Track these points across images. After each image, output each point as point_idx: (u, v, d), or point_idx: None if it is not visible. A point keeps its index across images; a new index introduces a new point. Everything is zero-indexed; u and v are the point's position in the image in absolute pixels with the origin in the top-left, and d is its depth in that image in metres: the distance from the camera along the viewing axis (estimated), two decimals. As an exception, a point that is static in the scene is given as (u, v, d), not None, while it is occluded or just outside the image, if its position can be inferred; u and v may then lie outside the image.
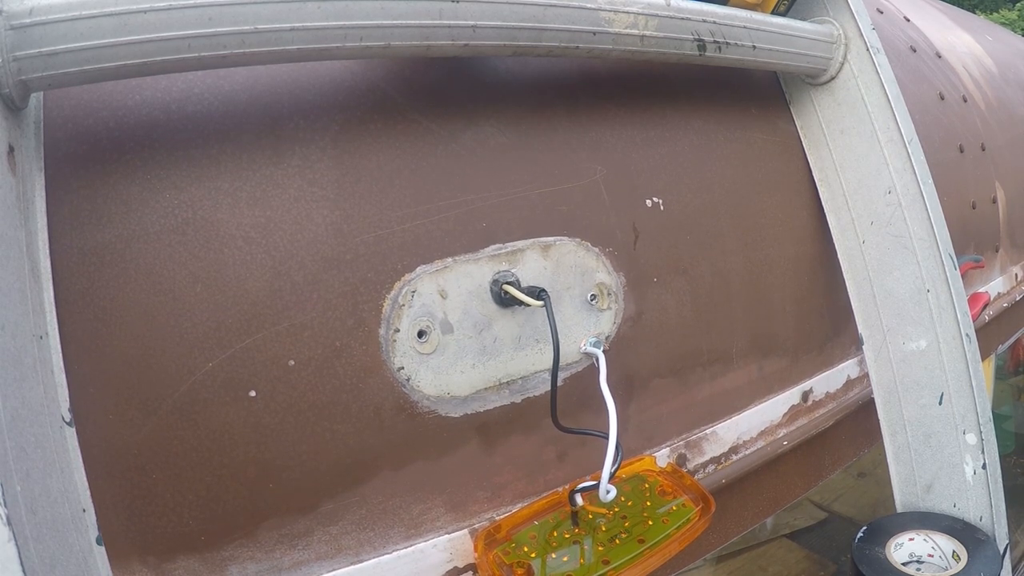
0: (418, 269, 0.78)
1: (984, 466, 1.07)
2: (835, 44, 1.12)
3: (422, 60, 0.84)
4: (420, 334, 0.78)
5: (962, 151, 1.69)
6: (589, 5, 0.81)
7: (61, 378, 0.62)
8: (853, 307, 1.19)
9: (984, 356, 1.52)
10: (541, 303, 0.80)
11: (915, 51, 1.78)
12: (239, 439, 0.70)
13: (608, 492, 0.79)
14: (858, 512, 3.06)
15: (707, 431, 1.06)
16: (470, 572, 0.83)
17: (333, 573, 0.75)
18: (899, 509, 1.15)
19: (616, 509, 0.86)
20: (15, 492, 0.49)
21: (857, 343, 1.22)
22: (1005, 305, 1.85)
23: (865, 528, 1.09)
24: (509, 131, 0.88)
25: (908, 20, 1.91)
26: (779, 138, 1.20)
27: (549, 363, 0.83)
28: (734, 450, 1.10)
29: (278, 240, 0.72)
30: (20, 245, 0.59)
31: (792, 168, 1.20)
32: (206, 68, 0.66)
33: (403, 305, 0.77)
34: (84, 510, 0.60)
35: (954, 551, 1.03)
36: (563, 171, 0.91)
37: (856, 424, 1.30)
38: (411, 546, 0.79)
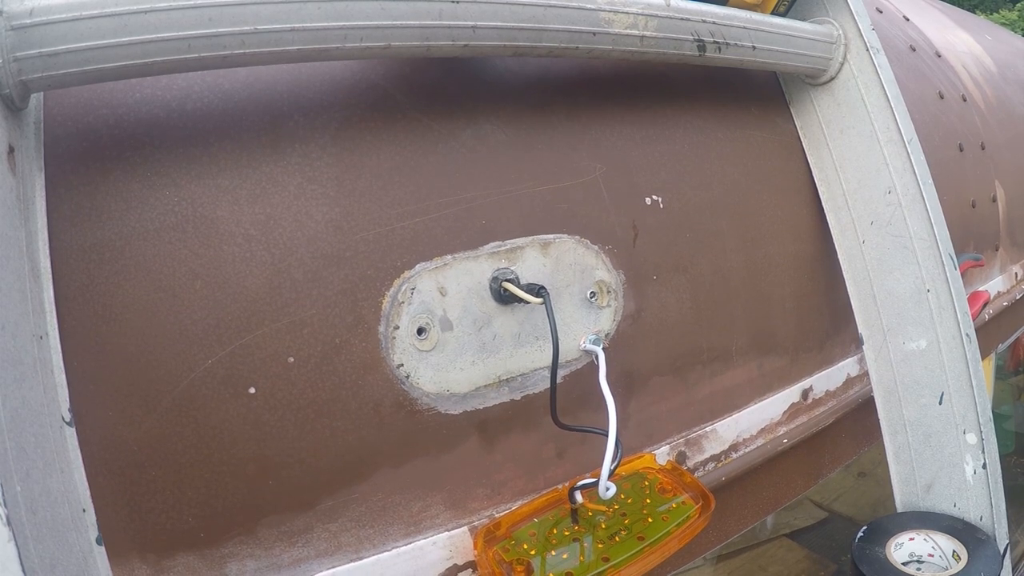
0: (417, 266, 0.78)
1: (984, 466, 1.07)
2: (835, 44, 1.12)
3: (422, 59, 0.84)
4: (419, 331, 0.78)
5: (962, 150, 1.69)
6: (589, 5, 0.81)
7: (61, 378, 0.62)
8: (853, 307, 1.19)
9: (984, 355, 1.52)
10: (540, 300, 0.80)
11: (914, 50, 1.78)
12: (238, 436, 0.70)
13: (608, 489, 0.79)
14: (858, 512, 3.06)
15: (707, 429, 1.06)
16: (470, 569, 0.83)
17: (332, 570, 0.75)
18: (899, 509, 1.14)
19: (616, 506, 0.86)
20: (15, 492, 0.49)
21: (857, 341, 1.22)
22: (1005, 304, 1.85)
23: (865, 528, 1.09)
24: (509, 129, 0.88)
25: (907, 20, 1.91)
26: (779, 137, 1.20)
27: (549, 360, 0.83)
28: (734, 448, 1.10)
29: (278, 237, 0.72)
30: (20, 245, 0.59)
31: (792, 167, 1.21)
32: (207, 68, 0.66)
33: (402, 302, 0.77)
34: (84, 510, 0.60)
35: (954, 551, 1.03)
36: (563, 169, 0.91)
37: (856, 422, 1.30)
38: (411, 543, 0.79)
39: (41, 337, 0.60)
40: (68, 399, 0.62)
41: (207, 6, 0.62)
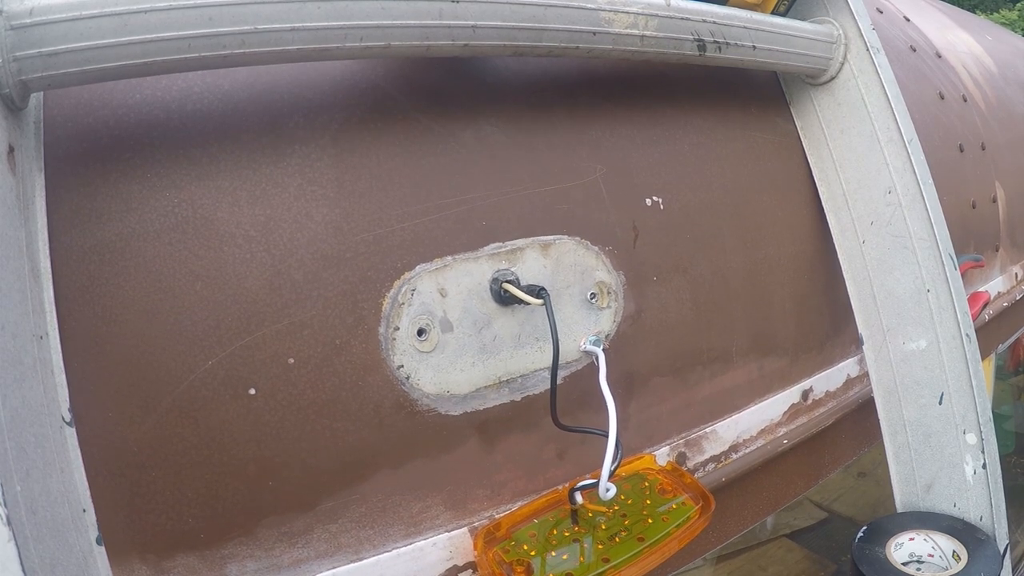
0: (418, 267, 0.78)
1: (984, 466, 1.07)
2: (835, 44, 1.12)
3: (422, 59, 0.84)
4: (420, 332, 0.78)
5: (962, 150, 1.69)
6: (589, 5, 0.81)
7: (61, 378, 0.62)
8: (853, 307, 1.19)
9: (984, 355, 1.52)
10: (541, 301, 0.80)
11: (915, 51, 1.78)
12: (239, 437, 0.70)
13: (608, 490, 0.79)
14: (858, 512, 3.06)
15: (707, 430, 1.06)
16: (470, 570, 0.83)
17: (332, 571, 0.75)
18: (899, 509, 1.14)
19: (616, 507, 0.86)
20: (15, 492, 0.49)
21: (857, 342, 1.22)
22: (1005, 304, 1.85)
23: (865, 528, 1.09)
24: (509, 129, 0.88)
25: (908, 20, 1.91)
26: (779, 137, 1.20)
27: (549, 361, 0.83)
28: (734, 449, 1.10)
29: (278, 238, 0.72)
30: (20, 245, 0.59)
31: (792, 167, 1.20)
32: (207, 68, 0.66)
33: (403, 303, 0.77)
34: (84, 510, 0.60)
35: (954, 551, 1.03)
36: (563, 170, 0.91)
37: (856, 423, 1.30)
38: (411, 544, 0.79)
39: (41, 337, 0.60)
40: (68, 399, 0.62)
41: (207, 6, 0.62)
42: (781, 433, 1.17)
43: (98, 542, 0.60)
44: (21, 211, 0.60)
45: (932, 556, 1.05)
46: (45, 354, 0.60)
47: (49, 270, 0.63)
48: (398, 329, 0.77)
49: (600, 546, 0.80)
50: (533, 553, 0.79)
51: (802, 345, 1.21)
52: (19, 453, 0.51)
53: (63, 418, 0.60)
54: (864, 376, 1.30)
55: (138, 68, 0.62)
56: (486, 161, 0.85)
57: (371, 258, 0.76)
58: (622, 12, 0.84)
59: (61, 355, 0.62)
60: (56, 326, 0.63)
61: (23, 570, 0.47)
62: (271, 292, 0.71)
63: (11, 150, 0.60)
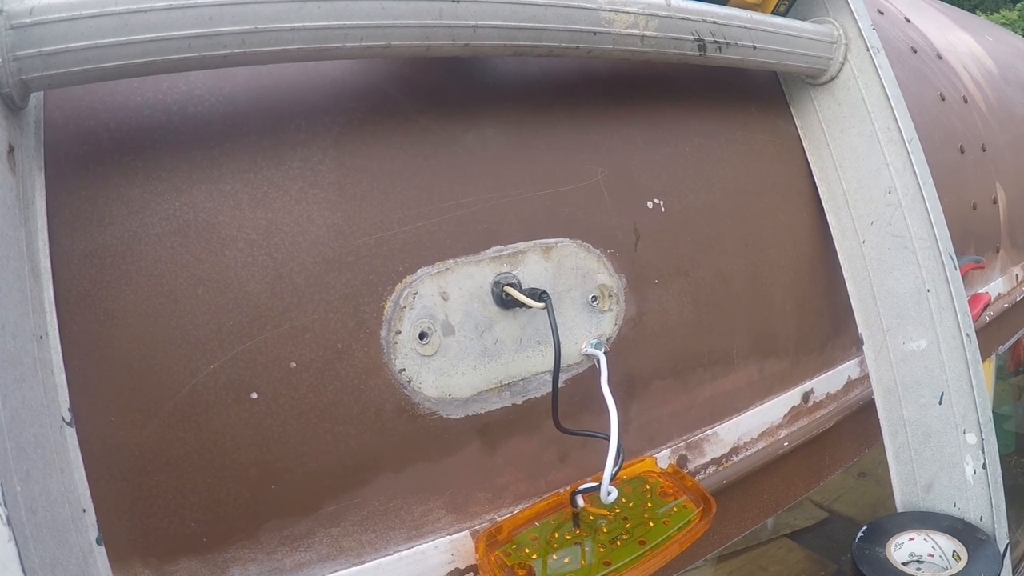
0: (419, 271, 0.78)
1: (984, 466, 1.07)
2: (835, 44, 1.12)
3: (423, 60, 0.84)
4: (421, 336, 0.78)
5: (962, 151, 1.69)
6: (589, 5, 0.81)
7: (61, 378, 0.61)
8: (853, 307, 1.19)
9: (984, 356, 1.52)
10: (542, 305, 0.80)
11: (915, 52, 1.78)
12: (241, 441, 0.70)
13: (609, 493, 0.78)
14: (858, 512, 3.06)
15: (708, 432, 1.06)
16: (471, 573, 0.83)
17: (334, 575, 0.75)
18: (899, 509, 1.15)
19: (617, 510, 0.86)
20: (15, 492, 0.49)
21: (857, 343, 1.22)
22: (1006, 306, 1.85)
23: (865, 528, 1.09)
24: (510, 132, 0.88)
25: (908, 21, 1.91)
26: (779, 138, 1.20)
27: (550, 364, 0.83)
28: (735, 451, 1.10)
29: (279, 242, 0.72)
30: (20, 245, 0.59)
31: (792, 168, 1.20)
32: (207, 68, 0.66)
33: (404, 307, 0.77)
34: (84, 510, 0.59)
35: (954, 551, 1.03)
36: (564, 172, 0.91)
37: (856, 425, 1.30)
38: (412, 547, 0.79)
39: (41, 337, 0.60)
40: (68, 399, 0.61)
41: (207, 5, 0.62)
42: (782, 435, 1.17)
43: (98, 542, 0.60)
44: (21, 211, 0.60)
45: (932, 556, 1.05)
46: (45, 354, 0.60)
47: (49, 270, 0.63)
48: (400, 333, 0.77)
49: (601, 549, 0.80)
50: (535, 556, 0.79)
51: (803, 347, 1.21)
52: (19, 453, 0.51)
53: (63, 418, 0.60)
54: (865, 378, 1.31)
55: (138, 68, 0.62)
56: (487, 164, 0.85)
57: (372, 261, 0.76)
58: (622, 12, 0.84)
59: (61, 356, 0.62)
60: (56, 326, 0.62)
61: (23, 570, 0.47)
62: (273, 296, 0.71)
63: (11, 149, 0.60)
